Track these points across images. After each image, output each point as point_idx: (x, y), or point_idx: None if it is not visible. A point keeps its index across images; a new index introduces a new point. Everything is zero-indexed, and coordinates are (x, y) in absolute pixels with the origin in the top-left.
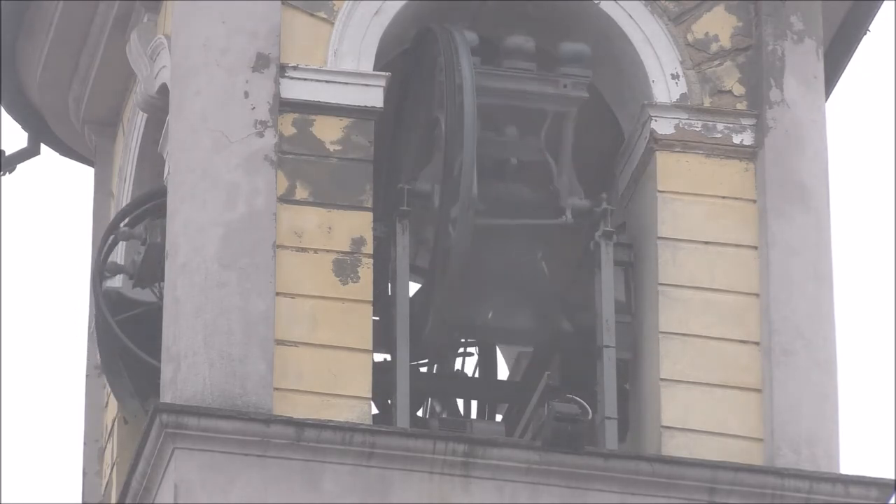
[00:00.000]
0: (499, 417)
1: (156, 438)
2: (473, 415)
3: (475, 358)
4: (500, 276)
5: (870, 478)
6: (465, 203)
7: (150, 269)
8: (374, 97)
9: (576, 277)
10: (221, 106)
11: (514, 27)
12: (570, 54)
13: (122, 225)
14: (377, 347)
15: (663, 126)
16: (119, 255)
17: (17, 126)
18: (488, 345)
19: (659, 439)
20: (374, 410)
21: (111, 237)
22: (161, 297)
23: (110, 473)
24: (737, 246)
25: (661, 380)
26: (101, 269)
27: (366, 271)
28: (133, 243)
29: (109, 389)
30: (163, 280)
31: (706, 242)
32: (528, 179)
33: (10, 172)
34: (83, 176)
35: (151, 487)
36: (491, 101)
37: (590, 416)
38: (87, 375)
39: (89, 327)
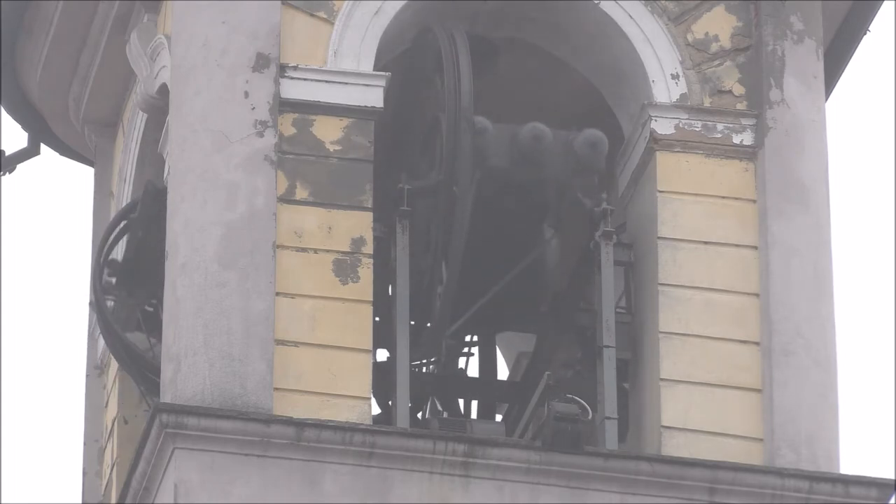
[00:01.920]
0: (499, 417)
1: (156, 438)
2: (474, 415)
3: (475, 358)
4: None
5: (870, 478)
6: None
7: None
8: (374, 97)
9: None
10: (221, 106)
11: (515, 27)
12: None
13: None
14: (377, 347)
15: (663, 126)
16: (119, 255)
17: (17, 126)
18: (489, 344)
19: (659, 439)
20: (376, 410)
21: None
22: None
23: (110, 473)
24: (737, 246)
25: (661, 380)
26: (101, 269)
27: (366, 271)
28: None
29: (109, 389)
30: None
31: (706, 242)
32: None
33: (10, 172)
34: (83, 176)
35: (151, 487)
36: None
37: (590, 416)
38: (87, 375)
39: (89, 327)
